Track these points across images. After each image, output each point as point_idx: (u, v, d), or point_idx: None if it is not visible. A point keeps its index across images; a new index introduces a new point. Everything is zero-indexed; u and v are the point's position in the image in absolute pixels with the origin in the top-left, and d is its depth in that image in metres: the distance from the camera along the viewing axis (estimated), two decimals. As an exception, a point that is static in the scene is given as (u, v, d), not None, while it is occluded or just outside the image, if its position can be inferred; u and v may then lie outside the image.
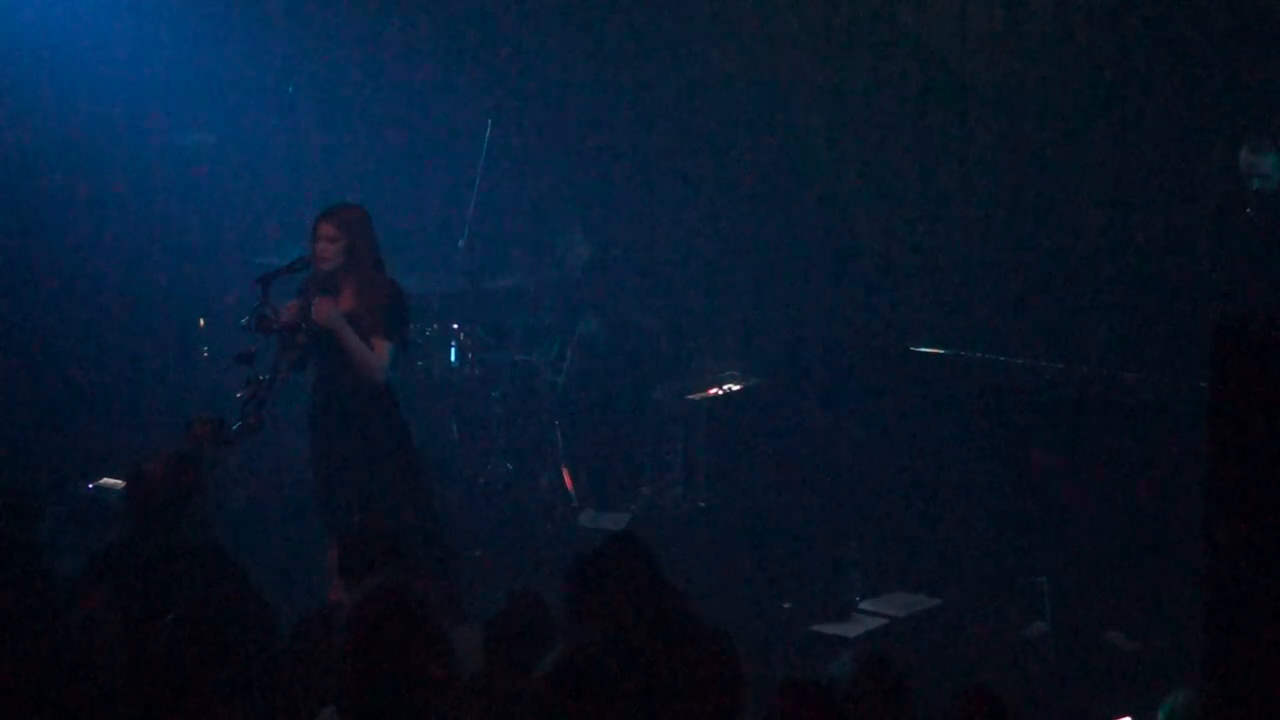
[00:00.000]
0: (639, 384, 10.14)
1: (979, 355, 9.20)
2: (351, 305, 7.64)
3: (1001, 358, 9.11)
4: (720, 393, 10.04)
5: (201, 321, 10.31)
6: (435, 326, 9.93)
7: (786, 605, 8.39)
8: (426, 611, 4.54)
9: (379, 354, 7.62)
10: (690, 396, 9.99)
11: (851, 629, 8.14)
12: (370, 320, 7.61)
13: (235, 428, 7.32)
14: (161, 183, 10.90)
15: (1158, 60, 9.41)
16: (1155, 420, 8.40)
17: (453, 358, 9.93)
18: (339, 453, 7.75)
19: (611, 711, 4.44)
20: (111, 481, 8.07)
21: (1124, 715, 6.05)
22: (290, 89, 10.92)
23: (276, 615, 6.01)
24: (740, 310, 10.58)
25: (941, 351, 9.34)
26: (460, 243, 10.11)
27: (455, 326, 9.94)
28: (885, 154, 10.26)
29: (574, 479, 9.91)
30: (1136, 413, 8.52)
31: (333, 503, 7.72)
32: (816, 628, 8.18)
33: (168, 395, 10.31)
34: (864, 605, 8.38)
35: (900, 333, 9.82)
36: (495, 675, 5.21)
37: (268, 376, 7.43)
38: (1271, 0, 9.15)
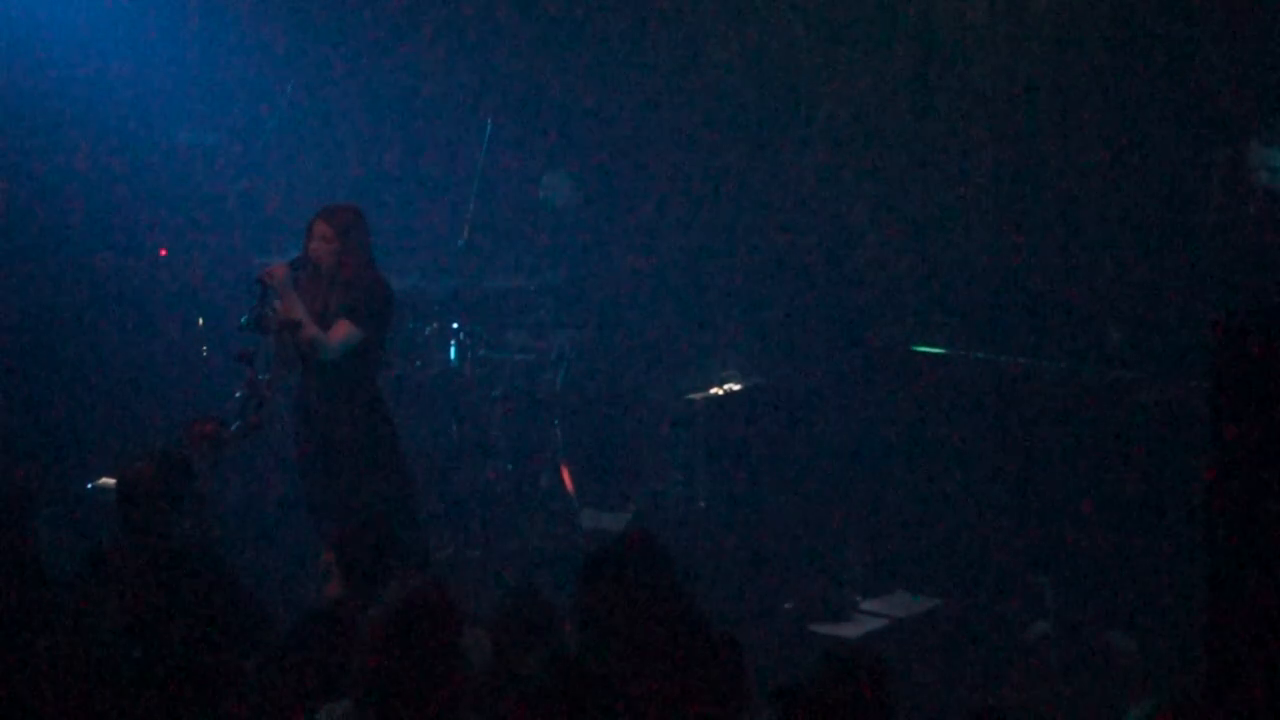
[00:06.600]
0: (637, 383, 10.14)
1: (979, 355, 9.18)
2: (342, 303, 7.64)
3: (1001, 358, 9.09)
4: (720, 393, 10.03)
5: (201, 321, 10.30)
6: (435, 326, 9.92)
7: (787, 605, 8.38)
8: (458, 619, 4.58)
9: (335, 333, 7.58)
10: (690, 396, 9.98)
11: (851, 629, 8.13)
12: (346, 306, 7.61)
13: (235, 428, 7.32)
14: (161, 183, 10.89)
15: (1159, 58, 9.39)
16: (1156, 420, 8.38)
17: (453, 358, 9.92)
18: (323, 450, 7.74)
19: (617, 712, 4.44)
20: (111, 481, 8.07)
21: (1124, 716, 6.03)
22: (290, 89, 10.91)
23: (271, 614, 6.01)
24: (740, 310, 10.56)
25: (941, 351, 9.32)
26: (460, 242, 10.09)
27: (455, 326, 9.92)
28: (885, 154, 10.24)
29: (573, 479, 9.90)
30: (1137, 412, 8.50)
31: (319, 501, 7.73)
32: (816, 628, 8.17)
33: (168, 395, 10.29)
34: (865, 605, 8.37)
35: (900, 333, 9.80)
36: (501, 674, 5.21)
37: (267, 376, 7.44)
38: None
